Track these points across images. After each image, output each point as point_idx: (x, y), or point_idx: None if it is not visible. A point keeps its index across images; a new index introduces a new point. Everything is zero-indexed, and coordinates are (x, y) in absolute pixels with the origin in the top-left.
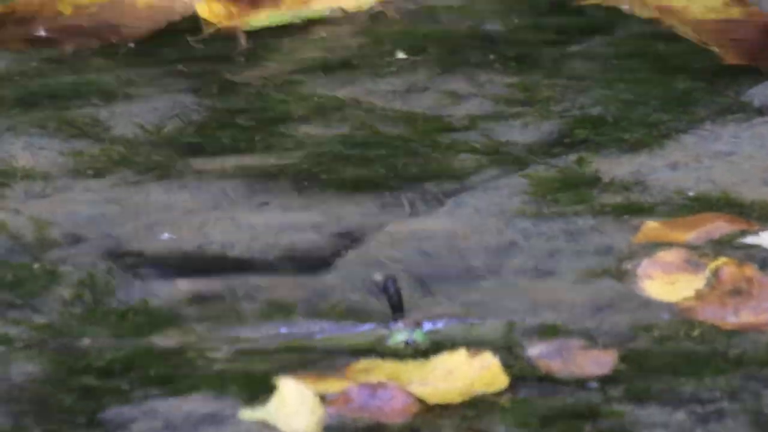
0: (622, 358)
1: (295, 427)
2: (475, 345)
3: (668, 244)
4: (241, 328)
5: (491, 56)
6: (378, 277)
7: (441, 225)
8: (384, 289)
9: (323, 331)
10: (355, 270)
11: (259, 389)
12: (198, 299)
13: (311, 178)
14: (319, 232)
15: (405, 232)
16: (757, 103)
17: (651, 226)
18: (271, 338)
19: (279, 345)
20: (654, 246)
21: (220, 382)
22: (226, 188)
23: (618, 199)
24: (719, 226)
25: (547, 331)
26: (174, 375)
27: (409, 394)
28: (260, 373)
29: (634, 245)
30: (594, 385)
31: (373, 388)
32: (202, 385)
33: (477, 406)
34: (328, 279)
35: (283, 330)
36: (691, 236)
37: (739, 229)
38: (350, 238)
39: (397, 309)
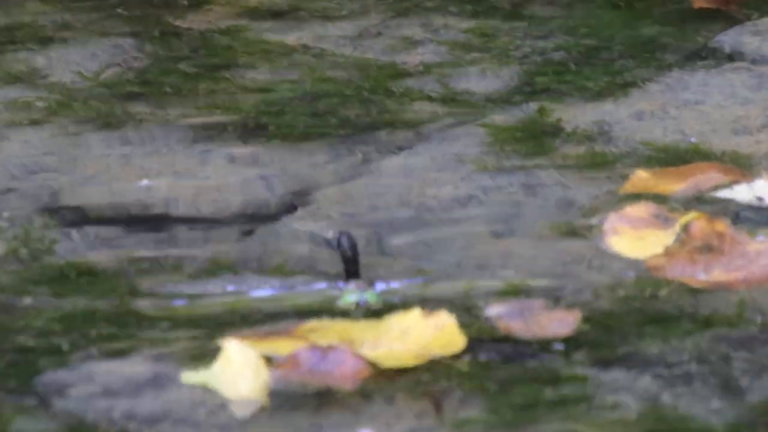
0: (586, 319)
1: (239, 391)
2: (431, 305)
3: (657, 196)
4: (185, 285)
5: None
6: (330, 233)
7: (395, 178)
8: (337, 246)
9: (270, 290)
10: (305, 226)
11: (203, 351)
12: (139, 256)
13: (258, 128)
14: (266, 185)
15: (358, 185)
16: (727, 48)
17: (640, 176)
18: (215, 297)
19: (224, 304)
20: (621, 200)
21: (162, 344)
22: (169, 138)
23: (581, 150)
24: (712, 177)
25: (508, 291)
26: (115, 335)
27: (361, 358)
28: (204, 334)
29: (600, 199)
30: (559, 346)
31: (323, 350)
32: (144, 347)
33: (432, 369)
34: (276, 235)
35: (229, 288)
36: (680, 187)
37: (733, 180)
38: (299, 192)
39: (351, 268)
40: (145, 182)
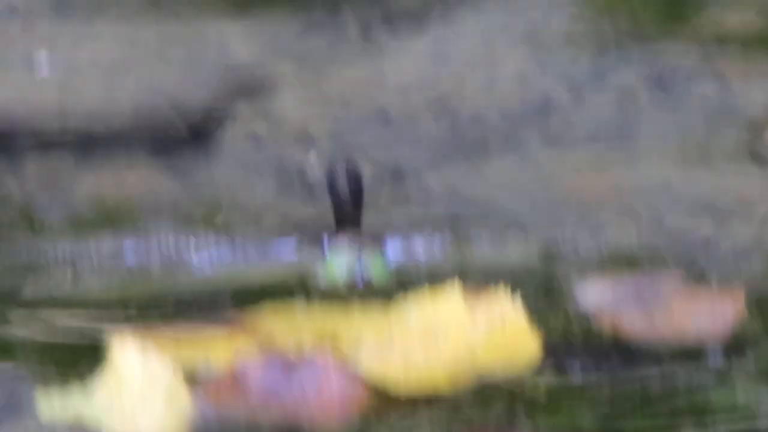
0: (753, 306)
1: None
2: (479, 280)
3: None
4: (63, 241)
5: None
6: (312, 157)
7: (414, 66)
8: (329, 179)
9: (203, 254)
10: (265, 144)
11: (79, 358)
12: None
13: None
14: (201, 76)
15: (351, 78)
16: None
17: None
18: (109, 263)
19: (122, 276)
20: None
21: (20, 347)
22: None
23: (748, 19)
24: None
25: (616, 258)
26: None
27: (355, 374)
28: (83, 328)
29: None
30: (712, 355)
31: (287, 361)
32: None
33: (481, 397)
34: (217, 160)
35: (130, 249)
36: None
37: None
38: (252, 88)
39: (346, 212)
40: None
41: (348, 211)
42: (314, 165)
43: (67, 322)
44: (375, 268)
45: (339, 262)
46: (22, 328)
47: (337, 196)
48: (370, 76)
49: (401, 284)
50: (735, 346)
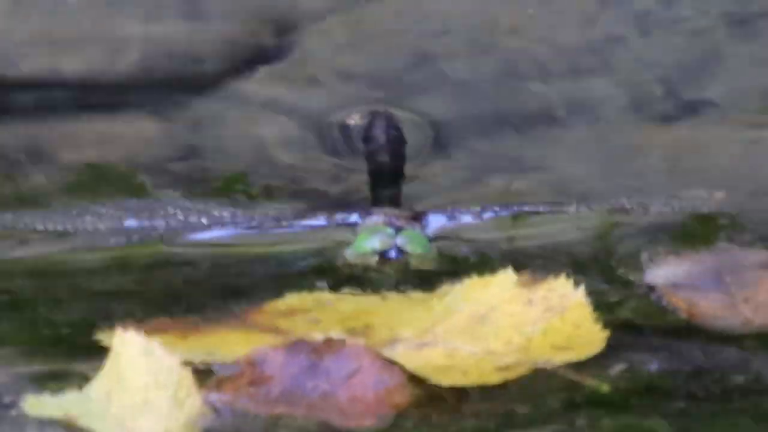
0: None
1: None
2: (534, 262)
3: None
4: (49, 216)
5: None
6: (353, 118)
7: None
8: (364, 141)
9: (214, 225)
10: (276, 97)
11: (75, 351)
12: None
13: None
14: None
15: (375, 12)
16: None
17: None
18: (106, 240)
19: (122, 254)
20: None
21: (9, 337)
22: None
23: None
24: None
25: (689, 231)
26: None
27: (392, 365)
28: (79, 316)
29: None
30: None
31: (314, 350)
32: None
33: (538, 391)
34: (225, 121)
35: (131, 223)
36: None
37: None
38: (277, 28)
39: (386, 183)
40: None
41: (386, 170)
42: (355, 121)
43: (59, 310)
44: (414, 247)
45: (372, 240)
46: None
47: (373, 151)
48: (396, 7)
49: (445, 266)
50: None
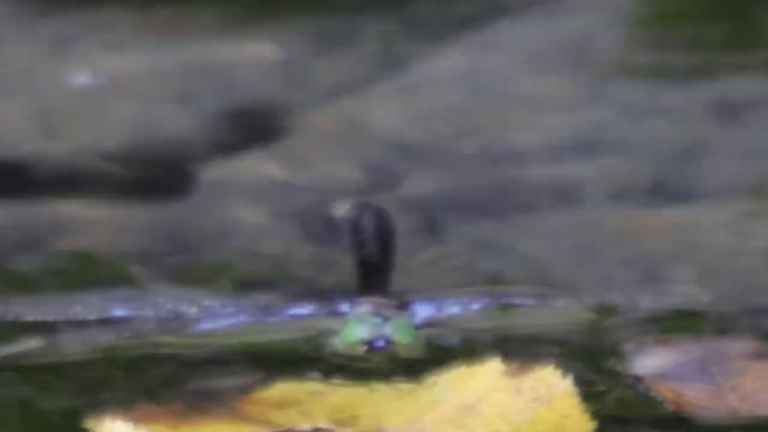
0: None
1: None
2: (521, 351)
3: None
4: (38, 306)
5: None
6: (340, 208)
7: (449, 90)
8: (353, 229)
9: (200, 318)
10: (273, 188)
11: None
12: None
13: None
14: (194, 108)
15: (370, 103)
16: None
17: None
18: (90, 330)
19: (106, 345)
20: None
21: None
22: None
23: None
24: None
25: (677, 320)
26: None
27: None
28: (59, 409)
29: None
30: None
31: None
32: None
33: None
34: (207, 204)
35: (118, 312)
36: None
37: None
38: (264, 127)
39: (374, 273)
40: None
41: (374, 261)
42: (343, 212)
43: (44, 398)
44: (401, 336)
45: (360, 330)
46: None
47: (361, 243)
48: (392, 100)
49: (432, 355)
50: None
